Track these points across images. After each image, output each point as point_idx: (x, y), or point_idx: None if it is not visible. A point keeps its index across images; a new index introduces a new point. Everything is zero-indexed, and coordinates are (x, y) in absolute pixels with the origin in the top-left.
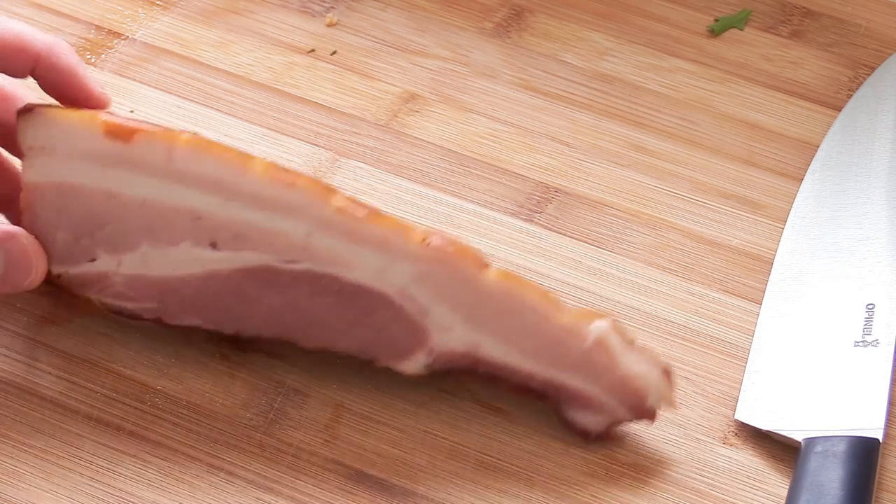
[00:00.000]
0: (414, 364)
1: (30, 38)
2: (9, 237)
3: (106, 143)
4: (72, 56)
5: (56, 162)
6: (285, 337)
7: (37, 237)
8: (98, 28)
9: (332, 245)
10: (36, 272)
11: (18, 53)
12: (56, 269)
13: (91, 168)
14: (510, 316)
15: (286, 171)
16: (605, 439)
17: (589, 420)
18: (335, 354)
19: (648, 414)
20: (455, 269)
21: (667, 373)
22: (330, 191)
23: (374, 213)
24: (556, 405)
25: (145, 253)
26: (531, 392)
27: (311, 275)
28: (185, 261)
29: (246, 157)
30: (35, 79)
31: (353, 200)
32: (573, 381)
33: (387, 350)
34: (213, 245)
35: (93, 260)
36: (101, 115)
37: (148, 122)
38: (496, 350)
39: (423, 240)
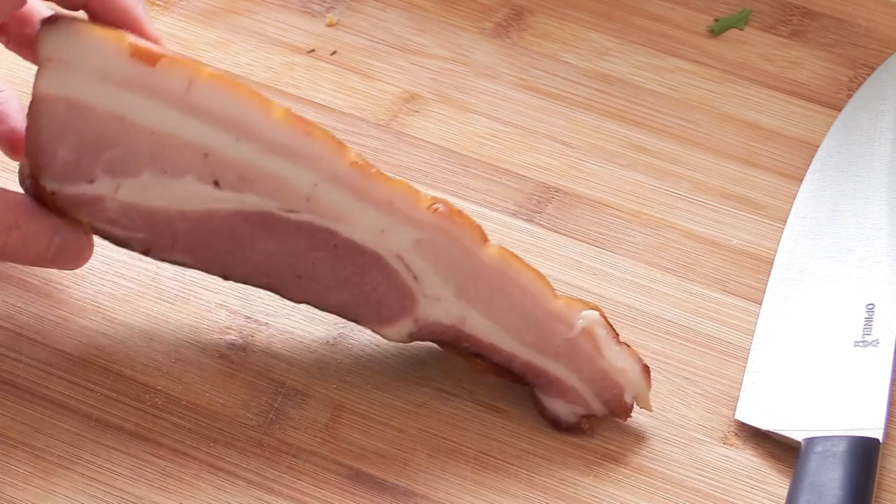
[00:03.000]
0: (398, 331)
1: None
2: (67, 225)
3: (128, 63)
4: None
5: (72, 76)
6: (272, 286)
7: (36, 150)
8: None
9: (338, 199)
10: (83, 262)
11: None
12: (51, 186)
13: (107, 89)
14: (501, 294)
15: (304, 119)
16: (574, 430)
17: (562, 409)
18: (320, 308)
19: (623, 411)
20: (456, 239)
21: (646, 372)
22: (344, 146)
23: (384, 174)
24: (532, 390)
25: (146, 182)
26: (510, 374)
27: (309, 227)
28: (185, 196)
29: (266, 101)
30: (88, 11)
31: (365, 160)
32: (553, 367)
33: (373, 313)
34: (216, 183)
35: (91, 181)
36: (128, 36)
37: (174, 51)
38: (482, 327)
39: (430, 205)
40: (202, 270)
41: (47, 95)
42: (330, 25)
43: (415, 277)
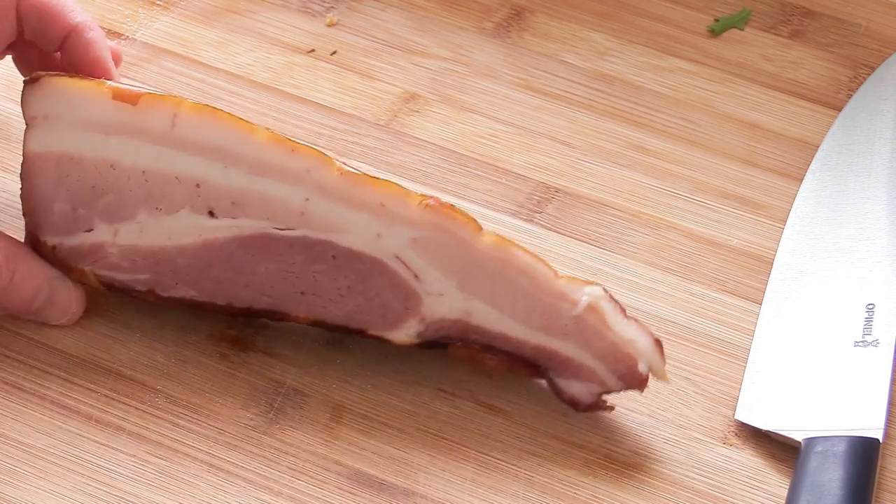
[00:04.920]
0: (405, 332)
1: (69, 9)
2: (58, 276)
3: (111, 108)
4: (100, 35)
5: (58, 131)
6: (277, 308)
7: (33, 207)
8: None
9: (330, 210)
10: (70, 317)
11: (56, 20)
12: (51, 241)
13: (94, 137)
14: (503, 281)
15: (287, 138)
16: (594, 409)
17: (579, 389)
18: (326, 325)
19: (638, 382)
20: (451, 232)
21: (658, 343)
22: (329, 158)
23: (373, 178)
24: (547, 375)
25: (143, 222)
26: (522, 362)
27: (306, 241)
28: (181, 230)
29: (249, 125)
30: (61, 51)
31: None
32: (564, 348)
33: (378, 318)
34: (211, 213)
35: (89, 230)
36: (108, 82)
37: (153, 89)
38: (488, 316)
39: (421, 202)
40: (208, 303)
41: (38, 154)
42: (330, 25)
43: (416, 276)
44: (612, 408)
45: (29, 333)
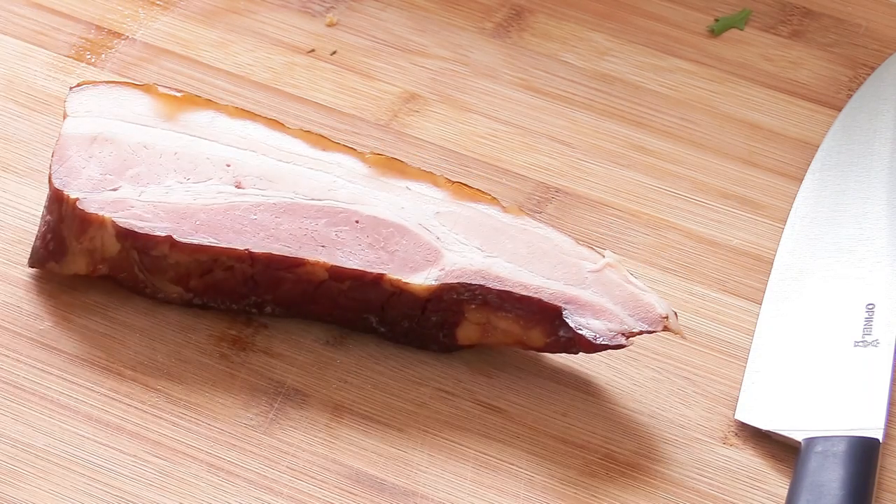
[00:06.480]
0: (424, 276)
1: None
2: None
3: (153, 108)
4: None
5: (97, 120)
6: (296, 255)
7: (62, 173)
8: (98, 28)
9: (357, 189)
10: None
11: None
12: (74, 195)
13: (132, 127)
14: (524, 244)
15: (319, 136)
16: (611, 346)
17: (597, 326)
18: (343, 274)
19: (656, 322)
20: (473, 207)
21: (672, 312)
22: (359, 153)
23: (401, 165)
24: (563, 314)
25: (169, 186)
26: (540, 311)
27: (331, 209)
28: (207, 194)
29: (283, 125)
30: None
31: (380, 158)
32: (584, 294)
33: (398, 267)
34: (238, 185)
35: (115, 189)
36: (153, 87)
37: (193, 94)
38: (508, 269)
39: (447, 184)
40: (226, 250)
41: (74, 135)
42: (330, 25)
43: (437, 238)
44: (631, 342)
45: (29, 333)
